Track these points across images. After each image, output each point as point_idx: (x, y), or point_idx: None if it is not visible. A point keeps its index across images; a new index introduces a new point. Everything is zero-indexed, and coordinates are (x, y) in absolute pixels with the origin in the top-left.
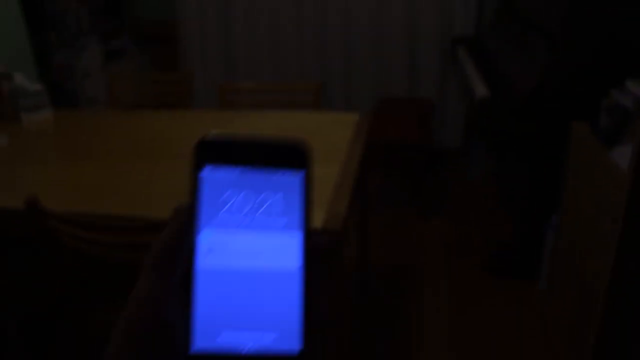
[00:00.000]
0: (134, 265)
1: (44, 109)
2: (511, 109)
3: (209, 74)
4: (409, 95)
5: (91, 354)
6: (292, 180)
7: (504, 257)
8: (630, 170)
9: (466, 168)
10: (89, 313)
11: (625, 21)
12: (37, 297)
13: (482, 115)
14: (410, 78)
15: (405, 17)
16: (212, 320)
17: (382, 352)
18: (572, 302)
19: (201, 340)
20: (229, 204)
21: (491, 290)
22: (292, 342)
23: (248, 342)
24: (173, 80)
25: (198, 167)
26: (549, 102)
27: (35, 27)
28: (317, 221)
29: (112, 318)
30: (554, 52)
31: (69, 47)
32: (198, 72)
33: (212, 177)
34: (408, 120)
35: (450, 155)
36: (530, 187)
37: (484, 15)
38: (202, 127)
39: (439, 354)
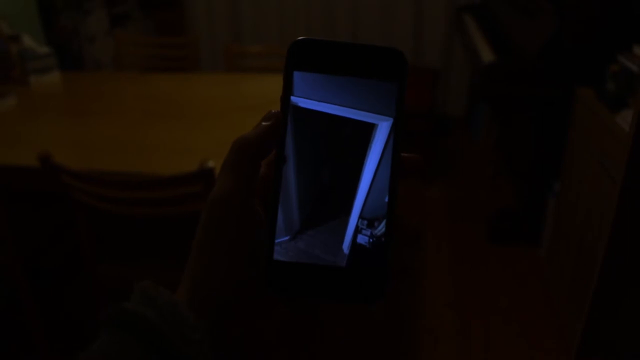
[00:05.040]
0: (144, 219)
1: (52, 71)
2: (517, 73)
3: (215, 38)
4: (414, 63)
5: (101, 306)
6: (385, 92)
7: (506, 224)
8: (631, 131)
9: (470, 134)
10: (100, 267)
11: None
12: (50, 251)
13: (488, 80)
14: (415, 46)
15: None
16: (294, 229)
17: (382, 315)
18: (573, 267)
19: (282, 249)
20: (317, 111)
21: (492, 256)
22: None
23: (330, 255)
24: (179, 44)
25: (290, 68)
26: (555, 67)
27: None
28: None
29: (122, 271)
30: (560, 16)
31: (74, 10)
32: (204, 37)
33: (303, 81)
34: (412, 88)
35: (454, 123)
36: (533, 152)
37: None
38: (209, 89)
39: (439, 316)
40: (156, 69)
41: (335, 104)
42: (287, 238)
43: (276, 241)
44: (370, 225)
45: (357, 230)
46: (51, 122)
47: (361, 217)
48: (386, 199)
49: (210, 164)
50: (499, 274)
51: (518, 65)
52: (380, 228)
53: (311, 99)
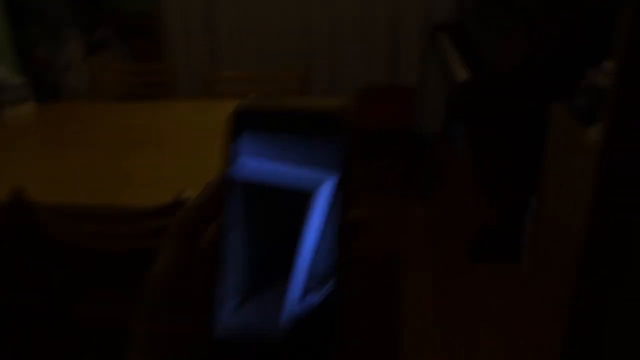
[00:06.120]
0: (120, 254)
1: (26, 102)
2: (492, 90)
3: (192, 65)
4: (391, 83)
5: (81, 343)
6: (329, 149)
7: (486, 242)
8: (600, 146)
9: (448, 153)
10: (80, 304)
11: (605, 3)
12: (29, 288)
13: (463, 98)
14: (391, 66)
15: (387, 5)
16: (235, 302)
17: (365, 333)
18: (554, 281)
19: (228, 319)
20: (263, 175)
21: (475, 273)
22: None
23: (272, 326)
24: (156, 71)
25: (232, 137)
26: (529, 83)
27: (16, 19)
28: None
29: (102, 309)
30: (534, 35)
31: (50, 40)
32: (181, 63)
33: (247, 147)
34: (390, 108)
35: (431, 141)
36: (510, 170)
37: (465, 2)
38: (187, 116)
39: (423, 333)
40: (133, 95)
41: (279, 165)
42: (229, 311)
43: (218, 315)
44: (317, 289)
45: (303, 295)
46: (25, 155)
47: (307, 281)
48: (332, 261)
49: (186, 194)
50: (481, 291)
51: (493, 82)
52: (327, 291)
53: (254, 164)
